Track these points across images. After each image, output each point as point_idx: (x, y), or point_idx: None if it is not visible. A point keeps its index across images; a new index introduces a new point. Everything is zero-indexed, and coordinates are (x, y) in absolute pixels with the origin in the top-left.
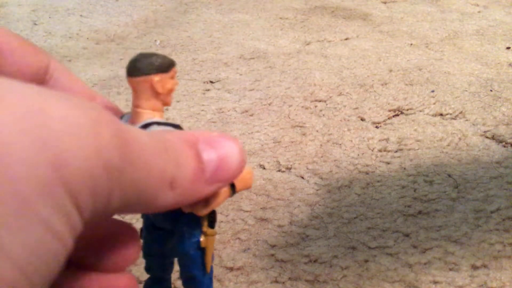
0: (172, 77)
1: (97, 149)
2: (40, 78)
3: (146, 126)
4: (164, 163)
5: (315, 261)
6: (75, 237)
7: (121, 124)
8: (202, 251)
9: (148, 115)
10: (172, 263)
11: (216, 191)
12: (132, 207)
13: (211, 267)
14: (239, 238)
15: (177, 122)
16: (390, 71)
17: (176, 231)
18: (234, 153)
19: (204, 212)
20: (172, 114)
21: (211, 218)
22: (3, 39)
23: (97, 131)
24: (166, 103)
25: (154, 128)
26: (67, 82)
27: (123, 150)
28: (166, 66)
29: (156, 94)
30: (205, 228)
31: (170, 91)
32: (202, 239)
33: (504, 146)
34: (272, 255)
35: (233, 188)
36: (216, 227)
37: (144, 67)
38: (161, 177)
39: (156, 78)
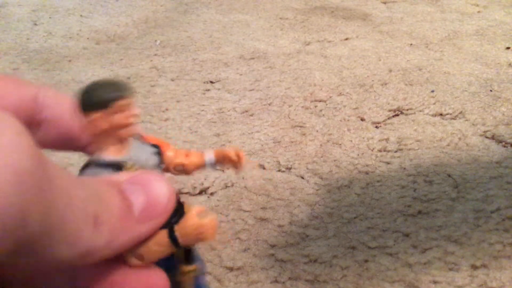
0: (117, 112)
1: (12, 171)
2: (29, 111)
3: (85, 166)
4: (85, 197)
5: (315, 261)
6: None
7: (43, 155)
8: (179, 284)
9: (96, 153)
10: None
11: (152, 230)
12: (57, 242)
13: None
14: (239, 238)
15: (177, 122)
16: (390, 71)
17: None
18: (161, 189)
19: (138, 265)
20: (172, 114)
21: (187, 255)
22: None
23: (6, 154)
24: (120, 138)
25: (90, 170)
26: (60, 108)
27: (37, 160)
28: (102, 102)
29: (100, 132)
30: (182, 264)
31: (120, 126)
32: (177, 274)
33: (504, 146)
34: (272, 255)
35: (175, 242)
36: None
37: (81, 105)
38: (83, 211)
39: (92, 116)
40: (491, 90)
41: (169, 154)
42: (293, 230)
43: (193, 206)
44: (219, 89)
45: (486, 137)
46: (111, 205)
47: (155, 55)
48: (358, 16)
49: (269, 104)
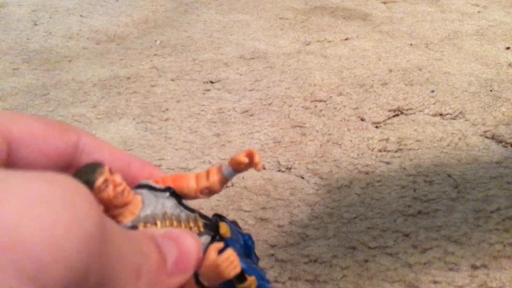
0: (100, 191)
1: (71, 225)
2: (69, 157)
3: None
4: (132, 253)
5: (315, 261)
6: None
7: (102, 215)
8: None
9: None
10: None
11: (180, 283)
12: None
13: None
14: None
15: (177, 122)
16: (390, 71)
17: None
18: (191, 244)
19: None
20: (172, 114)
21: (238, 276)
22: (24, 128)
23: (71, 206)
24: (122, 205)
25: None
26: (98, 155)
27: (102, 225)
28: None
29: (103, 210)
30: (236, 285)
31: (111, 199)
32: None
33: (504, 146)
34: (272, 255)
35: (200, 284)
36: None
37: None
38: (129, 266)
39: None
40: (491, 90)
41: (191, 183)
42: (293, 230)
43: (212, 245)
44: (219, 89)
45: (486, 137)
46: (150, 258)
47: (155, 55)
48: (358, 16)
49: (269, 104)
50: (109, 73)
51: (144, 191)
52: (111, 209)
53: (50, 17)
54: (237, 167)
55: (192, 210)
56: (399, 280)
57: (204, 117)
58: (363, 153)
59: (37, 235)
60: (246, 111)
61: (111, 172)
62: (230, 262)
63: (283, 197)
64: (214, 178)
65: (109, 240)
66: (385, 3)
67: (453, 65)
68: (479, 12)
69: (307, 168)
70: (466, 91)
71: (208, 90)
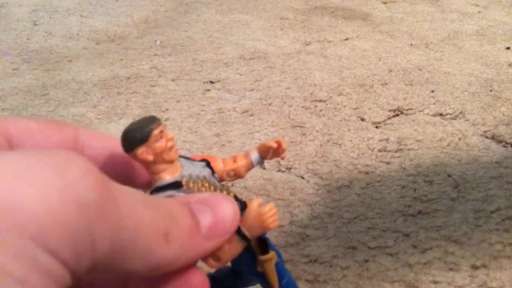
0: (157, 140)
1: (63, 189)
2: (69, 150)
3: (150, 193)
4: (155, 216)
5: (315, 261)
6: (65, 286)
7: (105, 180)
8: (262, 274)
9: (155, 182)
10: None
11: (217, 246)
12: (130, 258)
13: (288, 283)
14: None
15: (177, 122)
16: (390, 71)
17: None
18: (228, 209)
19: (216, 266)
20: (172, 114)
21: (262, 246)
22: (21, 126)
23: (61, 172)
24: (169, 161)
25: (155, 195)
26: (100, 146)
27: (101, 188)
28: (142, 137)
29: (150, 162)
30: (259, 254)
31: (163, 150)
32: (258, 265)
33: (504, 146)
34: None
35: (243, 237)
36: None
37: (125, 147)
38: (153, 228)
39: (138, 152)
40: (491, 90)
41: (219, 164)
42: (293, 230)
43: (253, 200)
44: (219, 89)
45: (486, 137)
46: (181, 222)
47: (155, 55)
48: (358, 16)
49: (269, 104)
50: (109, 73)
51: (182, 159)
52: (158, 163)
53: (50, 17)
54: (265, 153)
55: (223, 184)
56: (399, 280)
57: (204, 117)
58: (363, 153)
59: (32, 200)
60: (246, 111)
61: (165, 128)
62: (273, 214)
63: (283, 197)
64: (242, 162)
65: (121, 207)
66: (385, 3)
67: (453, 65)
68: (479, 12)
69: (307, 168)
70: (466, 91)
71: (208, 90)
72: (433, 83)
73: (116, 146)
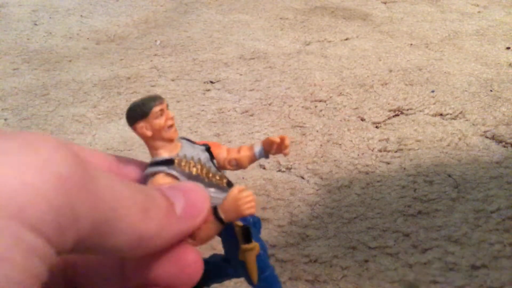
0: (156, 117)
1: (41, 165)
2: None
3: (145, 168)
4: (134, 192)
5: (315, 261)
6: (50, 263)
7: (81, 160)
8: (243, 263)
9: (152, 157)
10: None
11: (193, 226)
12: (114, 232)
13: (268, 278)
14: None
15: (177, 122)
16: (390, 71)
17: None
18: (198, 193)
19: (194, 245)
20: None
21: (245, 235)
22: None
23: (35, 149)
24: (167, 139)
25: (148, 169)
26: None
27: (76, 162)
28: (142, 112)
29: (149, 137)
30: (241, 243)
31: (162, 128)
32: (239, 253)
33: (504, 146)
34: (273, 255)
35: (220, 220)
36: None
37: (128, 119)
38: (134, 203)
39: (137, 126)
40: (491, 90)
41: (222, 152)
42: (293, 230)
43: (236, 185)
44: (219, 89)
45: (486, 137)
46: (158, 202)
47: (155, 55)
48: (358, 16)
49: (269, 104)
50: (109, 73)
51: (184, 141)
52: (156, 139)
53: (50, 17)
54: (269, 147)
55: (219, 170)
56: (399, 280)
57: (204, 117)
58: (363, 153)
59: (11, 179)
60: (246, 111)
61: (167, 107)
62: (249, 200)
63: (283, 197)
64: (245, 153)
65: (98, 183)
66: (385, 3)
67: (453, 65)
68: (479, 12)
69: (307, 168)
70: (466, 91)
71: (208, 90)
72: (433, 83)
73: (95, 157)
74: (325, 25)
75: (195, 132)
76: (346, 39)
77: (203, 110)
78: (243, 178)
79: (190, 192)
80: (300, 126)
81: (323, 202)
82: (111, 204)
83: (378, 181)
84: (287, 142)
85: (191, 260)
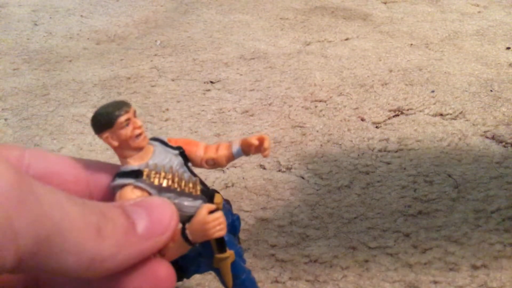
0: (122, 128)
1: None
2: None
3: (113, 179)
4: (84, 211)
5: (315, 261)
6: None
7: (22, 176)
8: (217, 270)
9: (121, 166)
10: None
11: (158, 245)
12: (61, 252)
13: (245, 282)
14: (239, 238)
15: (178, 122)
16: (390, 71)
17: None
18: (163, 210)
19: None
20: (172, 114)
21: (219, 245)
22: None
23: None
24: (136, 148)
25: (115, 181)
26: (42, 163)
27: (14, 177)
28: (106, 123)
29: (116, 147)
30: (215, 253)
31: (129, 138)
32: (214, 261)
33: (504, 146)
34: (273, 255)
35: (187, 240)
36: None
37: (93, 128)
38: (84, 222)
39: (103, 136)
40: (491, 90)
41: (199, 151)
42: (294, 230)
43: (206, 204)
44: (219, 89)
45: (487, 137)
46: (115, 221)
47: (156, 55)
48: (359, 16)
49: (270, 104)
50: (109, 73)
51: (157, 144)
52: (124, 149)
53: (50, 17)
54: (247, 148)
55: (194, 174)
56: (400, 280)
57: (205, 117)
58: (363, 153)
59: None
60: (247, 111)
61: (134, 115)
62: (218, 223)
63: (283, 197)
64: (223, 152)
65: (43, 200)
66: (385, 3)
67: (453, 65)
68: (479, 12)
69: (307, 168)
70: (466, 91)
71: (209, 90)
72: (433, 83)
73: (61, 165)
74: (325, 25)
75: (195, 132)
76: (346, 39)
77: (203, 110)
78: (243, 178)
79: (155, 209)
80: (300, 126)
81: (323, 202)
82: (56, 221)
83: (378, 181)
84: (266, 144)
85: (163, 275)
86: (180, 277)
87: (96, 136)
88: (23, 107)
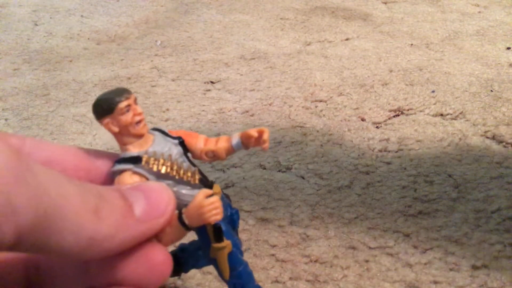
0: (122, 113)
1: None
2: None
3: (113, 164)
4: (83, 192)
5: (315, 261)
6: None
7: (19, 157)
8: (214, 260)
9: (121, 152)
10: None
11: (155, 228)
12: (59, 231)
13: (241, 274)
14: (239, 238)
15: (178, 122)
16: (391, 71)
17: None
18: (161, 193)
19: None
20: (173, 114)
21: (216, 234)
22: None
23: None
24: (136, 135)
25: (115, 166)
26: (43, 151)
27: (12, 154)
28: (107, 108)
29: (116, 133)
30: (212, 242)
31: (129, 124)
32: (211, 251)
33: (505, 146)
34: (273, 255)
35: (184, 224)
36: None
37: (94, 114)
38: (82, 201)
39: (104, 121)
40: (491, 90)
41: (199, 143)
42: (294, 230)
43: (203, 190)
44: (219, 89)
45: (487, 137)
46: (113, 203)
47: (156, 55)
48: (359, 16)
49: (270, 104)
50: (109, 73)
51: (157, 133)
52: (124, 135)
53: (50, 18)
54: (246, 141)
55: (194, 165)
56: (400, 280)
57: (205, 117)
58: (363, 153)
59: None
60: (247, 111)
61: (135, 102)
62: (214, 207)
63: (283, 197)
64: (222, 145)
65: (41, 178)
66: (385, 3)
67: (453, 65)
68: (479, 12)
69: (308, 168)
70: (466, 91)
71: (209, 90)
72: (433, 83)
73: (62, 153)
74: (326, 25)
75: (196, 132)
76: (347, 39)
77: (203, 110)
78: (243, 178)
79: (152, 192)
80: (301, 126)
81: (324, 202)
82: (55, 199)
83: (378, 181)
84: (265, 136)
85: (159, 260)
86: (178, 271)
87: (96, 136)
88: (23, 107)
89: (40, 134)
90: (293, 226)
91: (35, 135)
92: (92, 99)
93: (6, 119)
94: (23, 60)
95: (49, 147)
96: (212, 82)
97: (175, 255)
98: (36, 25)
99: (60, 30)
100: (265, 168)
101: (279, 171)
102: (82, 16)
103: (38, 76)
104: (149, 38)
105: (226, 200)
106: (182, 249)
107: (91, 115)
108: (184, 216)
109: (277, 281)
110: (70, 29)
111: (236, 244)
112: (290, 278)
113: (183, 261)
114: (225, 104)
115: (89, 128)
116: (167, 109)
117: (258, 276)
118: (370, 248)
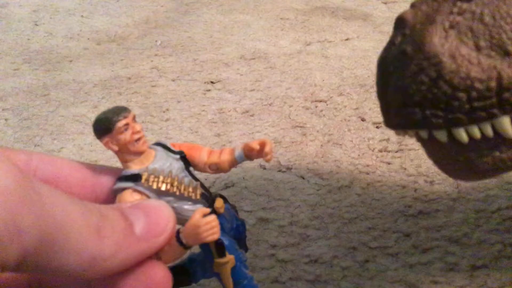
0: (121, 132)
1: None
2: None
3: (114, 183)
4: (85, 212)
5: (315, 261)
6: None
7: (26, 177)
8: (218, 275)
9: (123, 169)
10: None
11: (156, 247)
12: (63, 251)
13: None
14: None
15: (178, 122)
16: None
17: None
18: (161, 212)
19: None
20: (173, 114)
21: (218, 250)
22: None
23: None
24: (135, 152)
25: (116, 185)
26: (49, 167)
27: (18, 176)
28: (105, 128)
29: (116, 151)
30: (215, 257)
31: (128, 143)
32: (214, 266)
33: None
34: (273, 255)
35: (181, 243)
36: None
37: (94, 133)
38: (84, 222)
39: (104, 141)
40: None
41: (202, 155)
42: (294, 230)
43: (200, 208)
44: (219, 89)
45: None
46: (114, 222)
47: (156, 55)
48: (359, 16)
49: (270, 105)
50: (109, 73)
51: (159, 148)
52: (124, 153)
53: (50, 18)
54: (249, 153)
55: (196, 179)
56: (400, 280)
57: (205, 117)
58: (363, 153)
59: None
60: (247, 111)
61: (134, 120)
62: (210, 227)
63: (283, 198)
64: (225, 157)
65: (45, 199)
66: (385, 3)
67: None
68: None
69: (308, 168)
70: None
71: (209, 90)
72: None
73: (68, 169)
74: (326, 25)
75: (196, 132)
76: (347, 39)
77: (203, 110)
78: (243, 178)
79: (152, 211)
80: (301, 126)
81: (324, 202)
82: (59, 220)
83: (378, 181)
84: (267, 149)
85: (159, 277)
86: (188, 282)
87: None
88: (23, 107)
89: (40, 134)
90: (293, 226)
91: (35, 135)
92: (92, 99)
93: (6, 119)
94: (23, 60)
95: (55, 163)
96: (212, 82)
97: (184, 265)
98: (36, 25)
99: (60, 30)
100: (265, 168)
101: (279, 171)
102: (82, 16)
103: (38, 76)
104: (149, 38)
105: (231, 211)
106: (191, 259)
107: (91, 115)
108: (181, 235)
109: (277, 281)
110: (70, 29)
111: (240, 258)
112: (290, 278)
113: (192, 271)
114: (225, 104)
115: (89, 128)
116: (167, 109)
117: (257, 276)
118: (370, 248)
